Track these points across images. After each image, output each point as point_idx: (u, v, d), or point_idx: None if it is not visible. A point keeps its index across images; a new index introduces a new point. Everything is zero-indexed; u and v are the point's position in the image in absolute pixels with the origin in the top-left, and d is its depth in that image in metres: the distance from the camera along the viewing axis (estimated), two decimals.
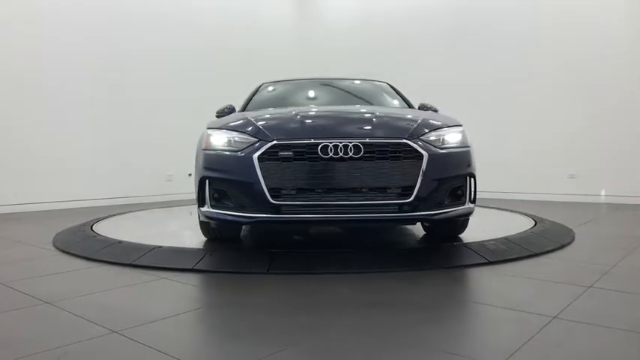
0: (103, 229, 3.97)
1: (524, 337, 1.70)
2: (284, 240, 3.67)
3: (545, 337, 1.71)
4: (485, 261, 2.86)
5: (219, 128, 3.13)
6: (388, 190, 2.76)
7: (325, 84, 4.60)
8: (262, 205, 2.79)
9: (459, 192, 2.98)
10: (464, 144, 3.08)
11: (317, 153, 2.74)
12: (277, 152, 2.80)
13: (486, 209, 5.29)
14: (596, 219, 4.92)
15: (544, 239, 3.44)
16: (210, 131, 3.16)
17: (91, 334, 1.79)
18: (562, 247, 3.34)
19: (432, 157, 2.81)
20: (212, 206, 3.00)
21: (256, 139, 2.88)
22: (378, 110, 3.40)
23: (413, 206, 2.77)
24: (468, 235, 3.39)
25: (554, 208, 5.73)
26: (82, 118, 6.28)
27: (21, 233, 4.23)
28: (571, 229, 3.97)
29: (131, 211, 5.38)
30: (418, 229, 3.80)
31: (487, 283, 2.50)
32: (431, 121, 3.11)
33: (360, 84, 4.63)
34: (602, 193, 6.48)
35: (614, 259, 2.97)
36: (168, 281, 2.55)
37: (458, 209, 2.98)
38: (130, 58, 6.77)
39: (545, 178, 6.85)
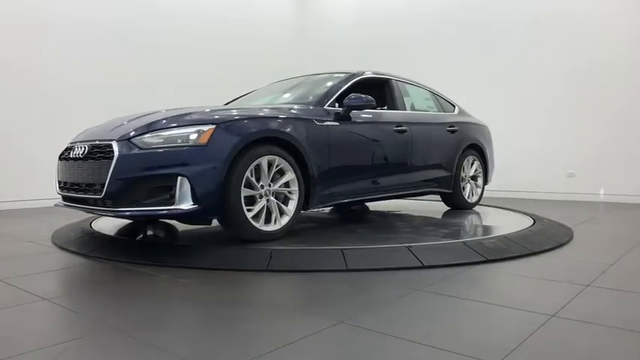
0: (102, 226, 3.97)
1: (522, 336, 1.70)
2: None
3: (543, 336, 1.71)
4: (484, 259, 2.86)
5: None
6: (94, 187, 3.02)
7: (298, 81, 4.54)
8: (58, 193, 3.47)
9: (172, 192, 2.86)
10: (192, 143, 2.89)
11: (69, 154, 3.31)
12: (64, 153, 3.42)
13: (485, 207, 5.30)
14: (595, 218, 4.93)
15: (543, 238, 3.44)
16: None
17: (91, 331, 1.79)
18: (560, 245, 3.35)
19: (125, 157, 2.89)
20: None
21: None
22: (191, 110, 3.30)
23: (108, 202, 2.95)
24: (467, 233, 3.39)
25: (553, 206, 5.74)
26: (82, 117, 6.24)
27: (19, 230, 4.23)
28: (570, 228, 3.98)
29: None
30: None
31: (485, 282, 2.50)
32: (169, 121, 3.02)
33: (323, 78, 4.45)
34: (601, 192, 6.49)
35: (612, 257, 2.98)
36: (168, 278, 2.55)
37: (164, 209, 2.87)
38: (129, 58, 6.76)
39: (545, 177, 6.87)
